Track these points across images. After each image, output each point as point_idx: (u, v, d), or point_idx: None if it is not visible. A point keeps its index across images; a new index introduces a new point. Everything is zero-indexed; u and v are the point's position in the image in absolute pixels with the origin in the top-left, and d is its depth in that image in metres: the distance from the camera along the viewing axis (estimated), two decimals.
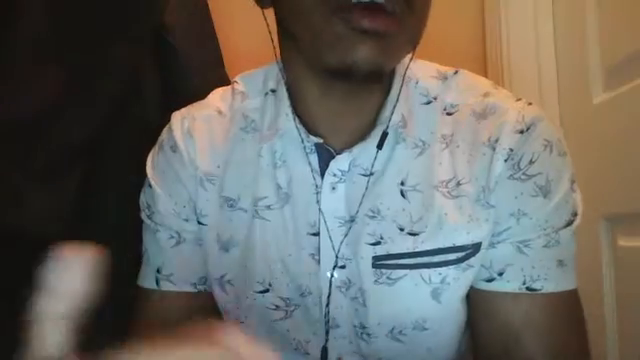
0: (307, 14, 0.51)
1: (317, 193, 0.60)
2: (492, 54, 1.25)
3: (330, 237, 0.60)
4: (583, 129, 1.08)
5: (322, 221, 0.60)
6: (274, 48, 0.60)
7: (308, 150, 0.60)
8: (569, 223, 0.58)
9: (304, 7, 0.51)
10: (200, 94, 0.70)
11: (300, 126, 0.59)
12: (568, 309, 0.58)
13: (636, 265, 0.93)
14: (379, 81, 0.57)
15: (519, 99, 0.61)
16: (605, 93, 1.02)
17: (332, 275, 0.60)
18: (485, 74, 1.26)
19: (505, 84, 1.19)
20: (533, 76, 1.18)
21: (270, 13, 0.58)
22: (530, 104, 0.60)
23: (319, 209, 0.60)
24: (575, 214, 0.59)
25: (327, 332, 0.62)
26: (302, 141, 0.60)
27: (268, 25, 0.58)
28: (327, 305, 0.61)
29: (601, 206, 1.01)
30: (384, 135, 0.58)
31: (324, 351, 0.62)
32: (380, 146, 0.58)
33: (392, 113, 0.58)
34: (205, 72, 0.97)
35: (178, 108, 0.68)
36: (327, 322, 0.61)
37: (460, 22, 1.28)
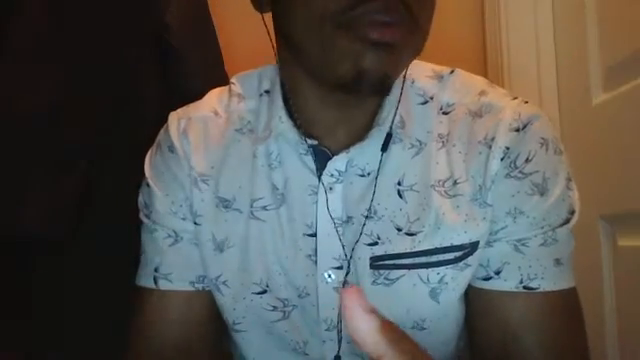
0: (313, 29, 0.50)
1: (314, 194, 0.60)
2: (492, 54, 1.25)
3: (327, 238, 0.60)
4: (583, 129, 1.08)
5: (319, 222, 0.60)
6: (274, 51, 0.60)
7: (304, 151, 0.60)
8: (566, 221, 0.58)
9: (310, 21, 0.50)
10: (200, 94, 0.71)
11: (295, 128, 0.59)
12: (565, 307, 0.58)
13: (636, 265, 0.93)
14: (386, 92, 0.56)
15: (515, 97, 0.61)
16: (605, 93, 1.02)
17: (329, 276, 0.60)
18: (485, 74, 1.26)
19: (505, 84, 1.19)
20: (533, 76, 1.18)
21: (268, 16, 0.59)
22: (526, 102, 0.60)
23: (316, 210, 0.60)
24: (572, 212, 0.59)
25: (340, 341, 0.62)
26: (297, 143, 0.60)
27: (268, 29, 0.58)
28: (339, 319, 0.61)
29: (600, 206, 1.01)
30: (388, 137, 0.58)
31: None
32: (385, 148, 0.58)
33: (395, 115, 0.59)
34: (205, 72, 0.98)
35: (178, 108, 0.68)
36: (339, 331, 0.61)
37: (460, 22, 1.28)
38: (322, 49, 0.51)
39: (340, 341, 0.62)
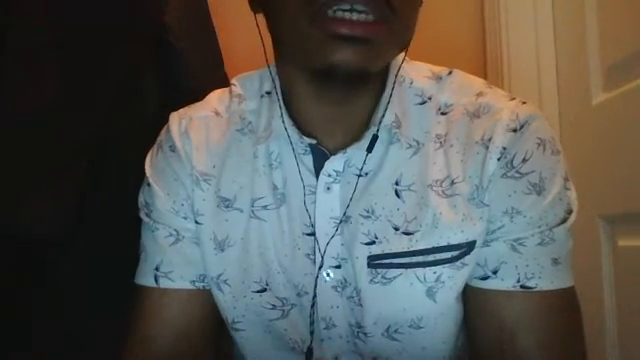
0: (289, 23, 0.51)
1: (312, 193, 0.60)
2: (492, 54, 1.25)
3: (325, 237, 0.60)
4: (583, 129, 1.08)
5: (317, 221, 0.60)
6: (265, 52, 0.60)
7: (302, 151, 0.61)
8: (563, 221, 0.58)
9: (286, 16, 0.51)
10: (200, 94, 0.71)
11: (294, 127, 0.60)
12: (563, 307, 0.58)
13: (636, 265, 0.92)
14: (366, 83, 0.57)
15: (513, 98, 0.61)
16: (605, 93, 1.02)
17: (328, 275, 0.60)
18: (485, 74, 1.26)
19: (505, 84, 1.19)
20: (533, 76, 1.18)
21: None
22: (524, 103, 0.60)
23: (314, 209, 0.60)
24: (570, 212, 0.59)
25: (312, 332, 0.62)
26: (296, 142, 0.60)
27: (260, 30, 0.58)
28: (312, 306, 0.61)
29: (600, 206, 1.00)
30: (374, 138, 0.58)
31: (309, 352, 0.62)
32: (370, 149, 0.58)
33: (383, 115, 0.59)
34: (205, 72, 0.98)
35: (178, 108, 0.69)
36: (311, 323, 0.62)
37: (460, 22, 1.28)
38: (298, 43, 0.52)
39: (312, 332, 0.62)
